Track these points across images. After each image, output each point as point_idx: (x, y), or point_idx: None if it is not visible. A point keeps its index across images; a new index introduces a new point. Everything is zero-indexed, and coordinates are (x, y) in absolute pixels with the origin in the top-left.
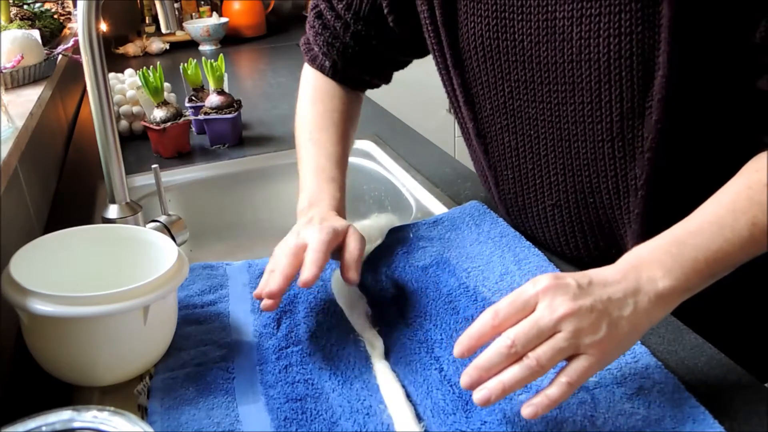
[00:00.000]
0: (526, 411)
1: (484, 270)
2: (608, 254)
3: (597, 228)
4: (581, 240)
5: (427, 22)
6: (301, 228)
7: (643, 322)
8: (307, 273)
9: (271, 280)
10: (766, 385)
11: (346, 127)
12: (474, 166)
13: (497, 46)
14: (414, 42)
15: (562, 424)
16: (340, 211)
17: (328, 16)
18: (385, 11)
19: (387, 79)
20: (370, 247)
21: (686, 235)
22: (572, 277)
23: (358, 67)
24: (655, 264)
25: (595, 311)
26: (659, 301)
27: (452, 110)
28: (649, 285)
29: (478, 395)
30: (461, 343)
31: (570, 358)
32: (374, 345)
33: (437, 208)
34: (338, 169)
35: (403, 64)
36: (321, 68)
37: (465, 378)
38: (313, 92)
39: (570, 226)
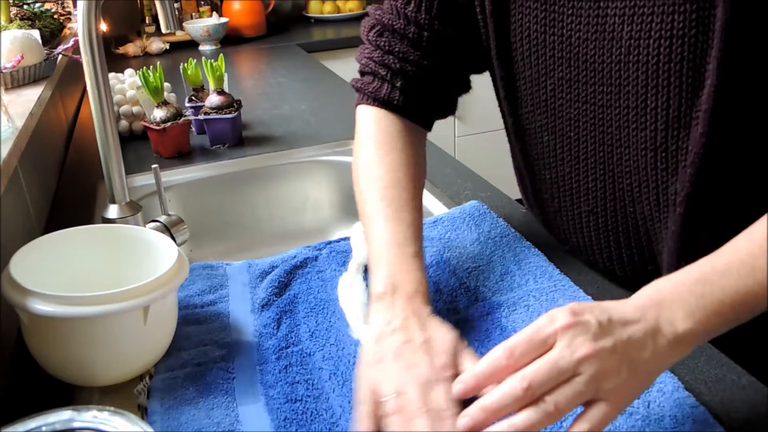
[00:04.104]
0: None
1: (485, 270)
2: (643, 271)
3: (633, 240)
4: (615, 251)
5: (478, 9)
6: (409, 324)
7: (659, 366)
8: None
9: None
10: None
11: (421, 184)
12: (512, 164)
13: (544, 40)
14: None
15: (561, 422)
16: (426, 295)
17: (397, 26)
18: None
19: (454, 106)
20: None
21: (714, 274)
22: (591, 314)
23: (432, 87)
24: (677, 303)
25: (616, 354)
26: (677, 344)
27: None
28: (668, 326)
29: None
30: (465, 382)
31: (587, 403)
32: None
33: (437, 208)
34: (419, 242)
35: (470, 75)
36: (388, 101)
37: (465, 420)
38: (378, 136)
39: (605, 234)
